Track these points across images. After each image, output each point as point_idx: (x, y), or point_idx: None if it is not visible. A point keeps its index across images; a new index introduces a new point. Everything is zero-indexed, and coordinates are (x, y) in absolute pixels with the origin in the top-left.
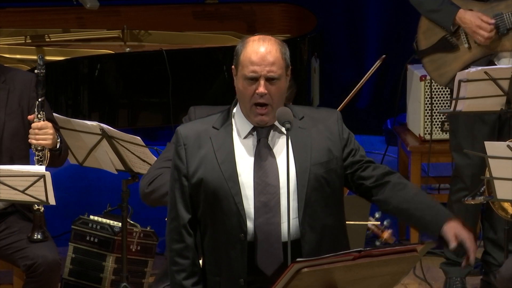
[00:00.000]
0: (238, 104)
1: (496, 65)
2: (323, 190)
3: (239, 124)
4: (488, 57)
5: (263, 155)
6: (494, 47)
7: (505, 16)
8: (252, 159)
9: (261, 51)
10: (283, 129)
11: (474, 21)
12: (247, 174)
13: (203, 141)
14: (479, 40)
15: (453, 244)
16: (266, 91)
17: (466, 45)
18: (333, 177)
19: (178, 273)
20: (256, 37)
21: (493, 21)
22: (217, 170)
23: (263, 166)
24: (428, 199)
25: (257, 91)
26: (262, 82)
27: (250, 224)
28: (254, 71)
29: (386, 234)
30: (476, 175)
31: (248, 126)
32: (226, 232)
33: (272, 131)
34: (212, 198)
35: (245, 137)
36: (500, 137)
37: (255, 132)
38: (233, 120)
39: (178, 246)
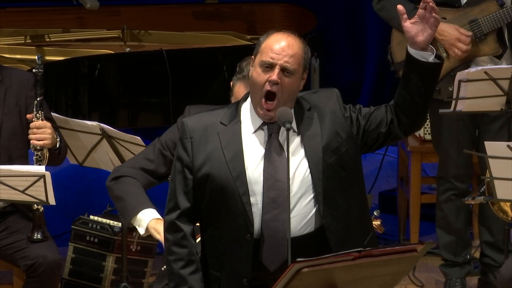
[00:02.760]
0: (248, 99)
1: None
2: (339, 176)
3: (249, 119)
4: (467, 64)
5: (273, 150)
6: (472, 53)
7: (481, 22)
8: (261, 154)
9: (284, 42)
10: (294, 126)
11: (453, 33)
12: (256, 169)
13: (211, 136)
14: (456, 54)
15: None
16: (278, 80)
17: (444, 54)
18: (347, 159)
19: (176, 262)
20: (281, 31)
21: (470, 33)
22: (225, 168)
23: (273, 162)
24: None
25: (270, 78)
26: (277, 70)
27: (256, 221)
28: (272, 57)
29: (376, 224)
30: (461, 175)
31: (258, 121)
32: (231, 231)
33: (282, 127)
34: (218, 195)
35: (254, 132)
36: (484, 138)
37: (266, 127)
38: (242, 115)
39: (176, 235)
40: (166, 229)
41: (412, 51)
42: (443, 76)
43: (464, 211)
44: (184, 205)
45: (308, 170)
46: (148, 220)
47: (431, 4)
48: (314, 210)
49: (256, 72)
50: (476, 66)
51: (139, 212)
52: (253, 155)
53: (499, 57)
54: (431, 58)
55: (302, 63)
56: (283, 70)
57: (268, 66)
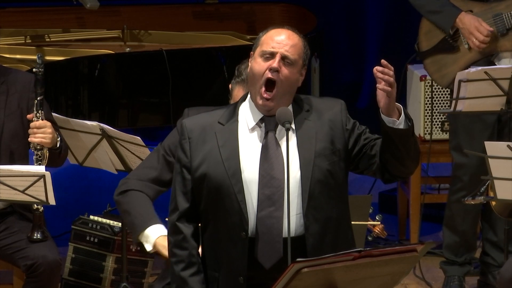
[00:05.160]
0: (246, 99)
1: (496, 65)
2: (327, 182)
3: (247, 116)
4: (489, 58)
5: (270, 148)
6: (494, 47)
7: (504, 16)
8: (258, 152)
9: (284, 33)
10: (292, 124)
11: (473, 22)
12: (252, 169)
13: (208, 136)
14: (473, 43)
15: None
16: (279, 68)
17: (466, 46)
18: (337, 169)
19: (177, 264)
20: (280, 27)
21: (491, 28)
22: (221, 167)
23: (269, 159)
24: None
25: (270, 65)
26: (277, 58)
27: (252, 218)
28: (273, 47)
29: (378, 228)
30: (474, 175)
31: (257, 116)
32: (227, 230)
33: (280, 124)
34: (215, 194)
35: (252, 129)
36: (499, 139)
37: (263, 124)
38: (239, 115)
39: (176, 237)
40: (169, 231)
41: (381, 114)
42: (464, 68)
43: (472, 214)
44: (183, 206)
45: (299, 169)
46: (156, 237)
47: (379, 74)
48: None
49: (256, 63)
50: (499, 61)
51: (146, 228)
52: (249, 153)
53: None
54: (395, 124)
55: (302, 56)
56: (284, 58)
57: (269, 56)
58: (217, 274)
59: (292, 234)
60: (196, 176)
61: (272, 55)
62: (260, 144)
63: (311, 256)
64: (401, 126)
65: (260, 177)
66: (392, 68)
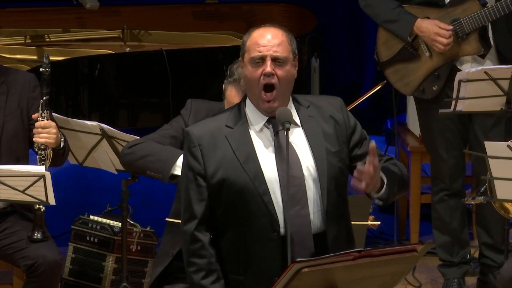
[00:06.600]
0: (246, 100)
1: (459, 70)
2: (339, 179)
3: (252, 118)
4: (451, 63)
5: (283, 148)
6: (455, 52)
7: (463, 21)
8: (272, 152)
9: (267, 34)
10: (297, 120)
11: (432, 28)
12: (271, 169)
13: (219, 141)
14: (438, 48)
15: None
16: (273, 71)
17: (427, 54)
18: (344, 166)
19: (196, 273)
20: (261, 26)
21: (451, 27)
22: (240, 170)
23: (285, 159)
24: (388, 174)
25: (264, 70)
26: (268, 62)
27: (280, 218)
28: (260, 51)
29: (369, 220)
30: (454, 175)
31: (262, 119)
32: (255, 232)
33: (280, 124)
34: (236, 198)
35: (260, 130)
36: (472, 136)
37: (270, 125)
38: (246, 116)
39: (194, 246)
40: (185, 241)
41: None
42: (427, 75)
43: (459, 212)
44: (201, 214)
45: (314, 166)
46: None
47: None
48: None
49: (248, 71)
50: (461, 65)
51: (178, 157)
52: (264, 154)
53: (482, 56)
54: (375, 196)
55: (290, 50)
56: (274, 60)
57: (259, 61)
58: (242, 278)
59: (315, 231)
60: (213, 182)
61: (262, 59)
62: (272, 144)
63: (332, 252)
64: (380, 195)
65: (280, 178)
66: (377, 163)
